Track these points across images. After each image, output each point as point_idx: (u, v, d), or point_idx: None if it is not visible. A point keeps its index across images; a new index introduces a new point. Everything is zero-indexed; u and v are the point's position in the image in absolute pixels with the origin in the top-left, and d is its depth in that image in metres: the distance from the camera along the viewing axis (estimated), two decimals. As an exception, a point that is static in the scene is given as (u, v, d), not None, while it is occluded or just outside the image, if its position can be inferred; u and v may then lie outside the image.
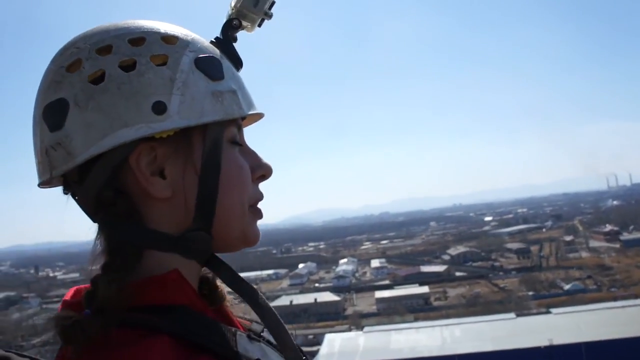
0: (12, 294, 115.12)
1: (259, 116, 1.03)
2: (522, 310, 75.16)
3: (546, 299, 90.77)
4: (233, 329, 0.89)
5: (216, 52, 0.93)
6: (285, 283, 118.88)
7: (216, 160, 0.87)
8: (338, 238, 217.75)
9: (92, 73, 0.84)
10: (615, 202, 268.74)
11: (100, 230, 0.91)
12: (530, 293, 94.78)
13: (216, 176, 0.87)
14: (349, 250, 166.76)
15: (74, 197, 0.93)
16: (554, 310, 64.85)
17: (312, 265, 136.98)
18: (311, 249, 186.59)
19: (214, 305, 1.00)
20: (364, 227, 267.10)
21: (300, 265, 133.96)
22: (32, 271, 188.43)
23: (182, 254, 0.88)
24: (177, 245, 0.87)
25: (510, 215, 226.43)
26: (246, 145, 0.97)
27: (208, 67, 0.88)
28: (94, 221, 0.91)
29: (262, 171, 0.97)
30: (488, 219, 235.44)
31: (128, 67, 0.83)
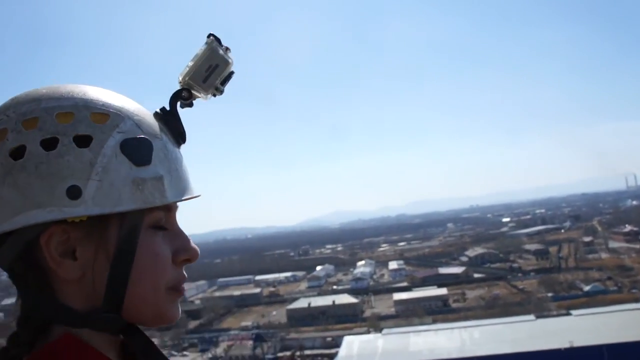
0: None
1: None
2: (541, 311, 74.63)
3: (566, 300, 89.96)
4: None
5: (152, 129, 0.90)
6: (303, 285, 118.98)
7: (130, 248, 0.86)
8: (355, 240, 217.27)
9: (14, 147, 0.82)
10: (634, 202, 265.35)
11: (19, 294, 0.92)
12: (550, 294, 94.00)
13: (128, 264, 0.86)
14: (367, 252, 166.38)
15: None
16: (574, 311, 64.36)
17: (329, 267, 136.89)
18: (329, 251, 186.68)
19: None
20: (381, 229, 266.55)
21: (318, 268, 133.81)
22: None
23: (91, 329, 0.87)
24: (86, 322, 0.87)
25: (528, 216, 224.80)
26: (175, 227, 0.95)
27: (134, 152, 0.85)
28: (13, 284, 0.92)
29: (187, 255, 0.94)
30: (506, 220, 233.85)
31: (50, 144, 0.81)
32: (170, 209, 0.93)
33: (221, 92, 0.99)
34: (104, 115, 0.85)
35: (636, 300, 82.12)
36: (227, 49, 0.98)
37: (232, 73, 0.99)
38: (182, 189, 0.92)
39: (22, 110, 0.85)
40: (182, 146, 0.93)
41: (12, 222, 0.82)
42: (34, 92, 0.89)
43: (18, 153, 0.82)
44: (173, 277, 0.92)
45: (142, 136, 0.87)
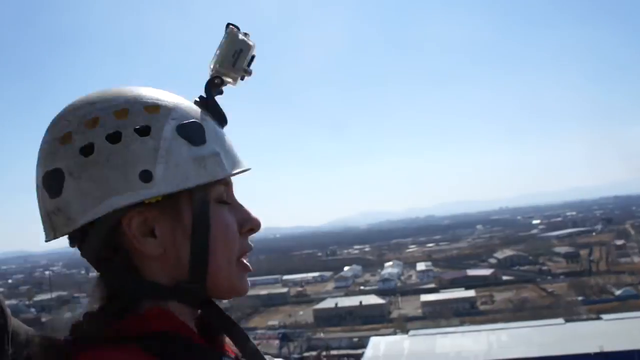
0: (64, 293, 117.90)
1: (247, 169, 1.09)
2: (571, 315, 73.64)
3: (596, 304, 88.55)
4: (219, 353, 1.02)
5: (198, 115, 1.01)
6: (331, 285, 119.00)
7: (205, 221, 0.97)
8: (383, 241, 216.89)
9: (82, 146, 0.93)
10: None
11: (100, 279, 1.02)
12: (580, 298, 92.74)
13: (205, 235, 0.96)
14: (394, 253, 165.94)
15: (80, 250, 1.03)
16: (604, 316, 63.36)
17: (357, 268, 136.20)
18: (356, 251, 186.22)
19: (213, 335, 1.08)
20: (409, 230, 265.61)
21: (346, 268, 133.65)
22: (82, 272, 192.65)
23: (177, 301, 0.98)
24: (172, 295, 0.97)
25: (559, 219, 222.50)
26: (235, 201, 1.05)
27: (190, 134, 0.96)
28: (98, 271, 1.03)
29: (251, 225, 1.05)
30: (536, 222, 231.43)
31: (115, 138, 0.92)
32: (228, 184, 1.03)
33: (249, 73, 1.08)
34: (155, 106, 0.96)
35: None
36: (246, 34, 1.07)
37: (254, 56, 1.08)
38: (236, 163, 1.03)
39: (81, 114, 0.96)
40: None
41: (95, 211, 0.93)
42: (86, 98, 1.00)
43: (88, 150, 0.93)
44: (242, 247, 1.03)
45: (194, 120, 0.98)
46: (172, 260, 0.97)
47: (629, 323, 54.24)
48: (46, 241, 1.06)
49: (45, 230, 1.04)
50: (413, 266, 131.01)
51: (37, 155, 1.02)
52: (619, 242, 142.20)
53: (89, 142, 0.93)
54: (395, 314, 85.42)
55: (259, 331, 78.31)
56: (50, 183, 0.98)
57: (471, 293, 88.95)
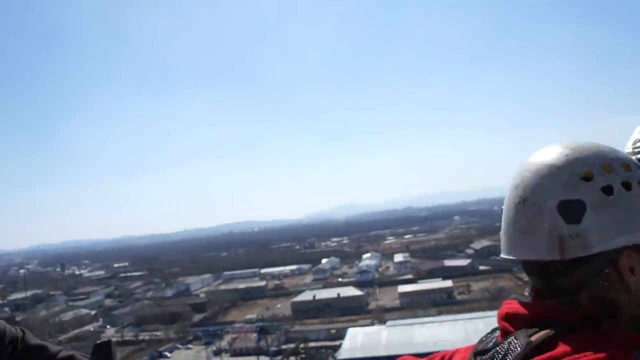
0: (39, 291, 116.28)
1: None
2: (546, 303, 74.31)
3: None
4: None
5: None
6: (309, 278, 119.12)
7: None
8: (361, 233, 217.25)
9: (603, 186, 1.21)
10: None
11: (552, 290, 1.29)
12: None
13: None
14: (372, 245, 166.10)
15: (541, 277, 1.30)
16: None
17: (335, 260, 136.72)
18: (334, 244, 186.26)
19: None
20: (388, 222, 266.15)
21: (324, 260, 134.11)
22: (58, 269, 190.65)
23: (630, 328, 1.22)
24: (632, 322, 1.22)
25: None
26: None
27: None
28: (554, 296, 1.29)
29: None
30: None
31: (627, 186, 1.21)
32: None
33: None
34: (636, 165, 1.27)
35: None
36: None
37: None
38: None
39: (598, 159, 1.25)
40: None
41: (610, 243, 1.19)
42: (596, 146, 1.29)
43: (608, 190, 1.20)
44: None
45: None
46: (637, 296, 1.22)
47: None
48: (526, 259, 1.32)
49: (540, 250, 1.28)
50: (391, 258, 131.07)
51: (531, 179, 1.31)
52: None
53: (608, 184, 1.21)
54: (373, 305, 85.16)
55: (237, 325, 77.74)
56: (569, 210, 1.23)
57: (448, 283, 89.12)
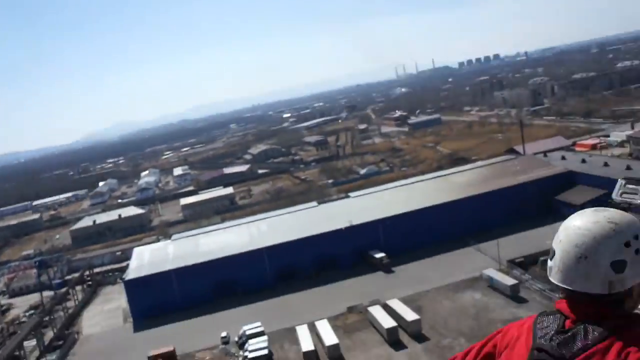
0: None
1: None
2: (323, 197, 78.76)
3: (345, 184, 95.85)
4: None
5: None
6: (86, 204, 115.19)
7: None
8: (137, 151, 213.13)
9: (637, 248, 2.43)
10: (403, 90, 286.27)
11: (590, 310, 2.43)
12: (330, 181, 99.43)
13: None
14: (150, 161, 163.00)
15: (589, 300, 2.43)
16: (352, 194, 68.78)
17: (112, 181, 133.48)
18: (110, 165, 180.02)
19: None
20: (164, 137, 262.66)
21: (101, 184, 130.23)
22: None
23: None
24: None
25: (308, 110, 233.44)
26: None
27: None
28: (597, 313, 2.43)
29: None
30: (286, 115, 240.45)
31: None
32: None
33: None
34: None
35: (405, 177, 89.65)
36: None
37: None
38: None
39: (632, 231, 2.45)
40: None
41: (637, 279, 2.45)
42: (632, 220, 2.51)
43: (638, 251, 2.47)
44: None
45: None
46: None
47: (371, 198, 59.48)
48: (582, 291, 2.46)
49: (596, 287, 2.39)
50: (170, 172, 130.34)
51: (590, 245, 2.40)
52: (362, 126, 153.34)
53: (637, 248, 2.40)
54: (156, 221, 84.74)
55: (14, 263, 73.76)
56: (617, 267, 2.35)
57: (229, 190, 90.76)
